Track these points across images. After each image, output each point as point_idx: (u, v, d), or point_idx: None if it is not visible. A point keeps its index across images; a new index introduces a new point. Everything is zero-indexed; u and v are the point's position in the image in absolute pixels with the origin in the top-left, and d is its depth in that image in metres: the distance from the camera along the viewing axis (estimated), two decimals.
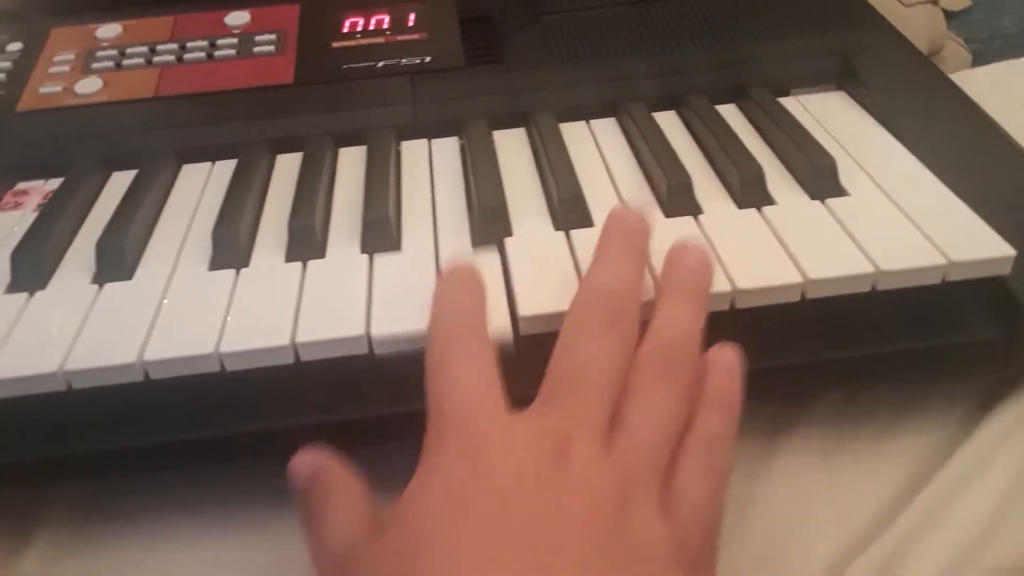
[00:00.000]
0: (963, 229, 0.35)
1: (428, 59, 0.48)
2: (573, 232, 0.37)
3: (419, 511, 0.24)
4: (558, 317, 0.30)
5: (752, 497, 0.34)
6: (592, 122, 0.46)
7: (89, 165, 0.44)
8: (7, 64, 0.49)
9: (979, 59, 0.90)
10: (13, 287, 0.37)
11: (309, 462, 0.29)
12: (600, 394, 0.27)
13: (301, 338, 0.32)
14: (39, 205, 0.42)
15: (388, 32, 0.50)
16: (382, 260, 0.37)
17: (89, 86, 0.47)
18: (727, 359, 0.30)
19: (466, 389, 0.27)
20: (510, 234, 0.38)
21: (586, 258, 0.33)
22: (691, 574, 0.25)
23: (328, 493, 0.28)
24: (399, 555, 0.24)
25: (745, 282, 0.33)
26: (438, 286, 0.31)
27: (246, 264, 0.37)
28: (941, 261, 0.34)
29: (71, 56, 0.50)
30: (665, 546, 0.25)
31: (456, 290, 0.31)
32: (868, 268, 0.34)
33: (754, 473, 0.35)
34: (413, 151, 0.45)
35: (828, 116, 0.44)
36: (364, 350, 0.33)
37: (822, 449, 0.36)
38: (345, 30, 0.51)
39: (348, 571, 0.26)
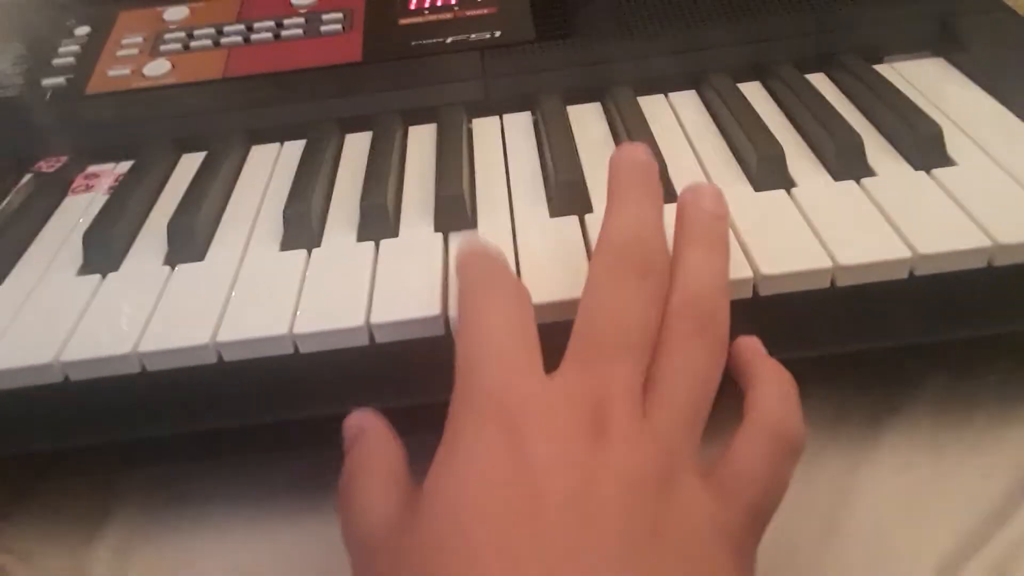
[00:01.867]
0: None
1: (498, 34, 0.47)
2: None
3: (448, 498, 0.23)
4: None
5: (855, 488, 0.32)
6: (671, 95, 0.44)
7: (158, 147, 0.44)
8: (76, 48, 0.49)
9: None
10: (86, 269, 0.36)
11: (356, 422, 0.28)
12: (635, 354, 0.25)
13: (376, 319, 0.31)
14: (110, 188, 0.42)
15: (456, 7, 0.49)
16: (457, 238, 0.35)
17: (157, 68, 0.47)
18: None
19: (501, 345, 0.25)
20: (591, 210, 0.36)
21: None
22: (736, 555, 0.23)
23: (365, 464, 0.26)
24: (427, 550, 0.22)
25: (847, 258, 0.31)
26: (459, 255, 0.29)
27: (318, 244, 0.36)
28: None
29: (139, 39, 0.49)
30: (710, 522, 0.23)
31: (482, 254, 0.29)
32: (983, 242, 0.31)
33: (857, 462, 0.33)
34: (485, 127, 0.43)
35: (927, 83, 0.41)
36: (441, 331, 0.31)
37: (930, 438, 0.33)
38: (412, 6, 0.49)
39: (376, 561, 0.24)
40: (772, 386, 0.27)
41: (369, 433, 0.27)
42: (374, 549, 0.24)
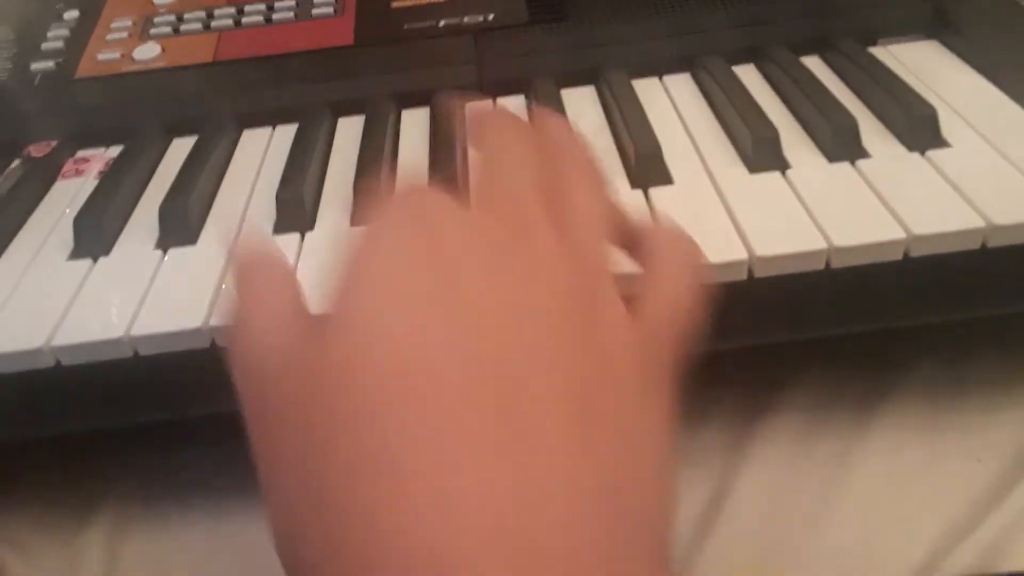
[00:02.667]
0: None
1: (491, 17, 0.46)
2: (652, 190, 0.35)
3: (362, 296, 0.20)
4: None
5: (845, 473, 0.32)
6: (665, 77, 0.44)
7: (149, 131, 0.43)
8: (65, 32, 0.48)
9: None
10: (77, 253, 0.36)
11: (247, 244, 0.24)
12: (533, 177, 0.23)
13: None
14: (100, 172, 0.42)
15: None
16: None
17: (147, 52, 0.47)
18: None
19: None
20: None
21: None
22: (664, 380, 0.21)
23: (258, 297, 0.22)
24: (337, 369, 0.18)
25: (842, 240, 0.31)
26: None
27: (311, 228, 0.36)
28: None
29: (129, 22, 0.49)
30: (638, 343, 0.21)
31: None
32: (978, 223, 0.31)
33: (848, 446, 0.33)
34: None
35: (921, 66, 0.41)
36: None
37: (922, 421, 0.33)
38: None
39: (274, 395, 0.20)
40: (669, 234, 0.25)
41: (261, 264, 0.23)
42: (270, 381, 0.21)
